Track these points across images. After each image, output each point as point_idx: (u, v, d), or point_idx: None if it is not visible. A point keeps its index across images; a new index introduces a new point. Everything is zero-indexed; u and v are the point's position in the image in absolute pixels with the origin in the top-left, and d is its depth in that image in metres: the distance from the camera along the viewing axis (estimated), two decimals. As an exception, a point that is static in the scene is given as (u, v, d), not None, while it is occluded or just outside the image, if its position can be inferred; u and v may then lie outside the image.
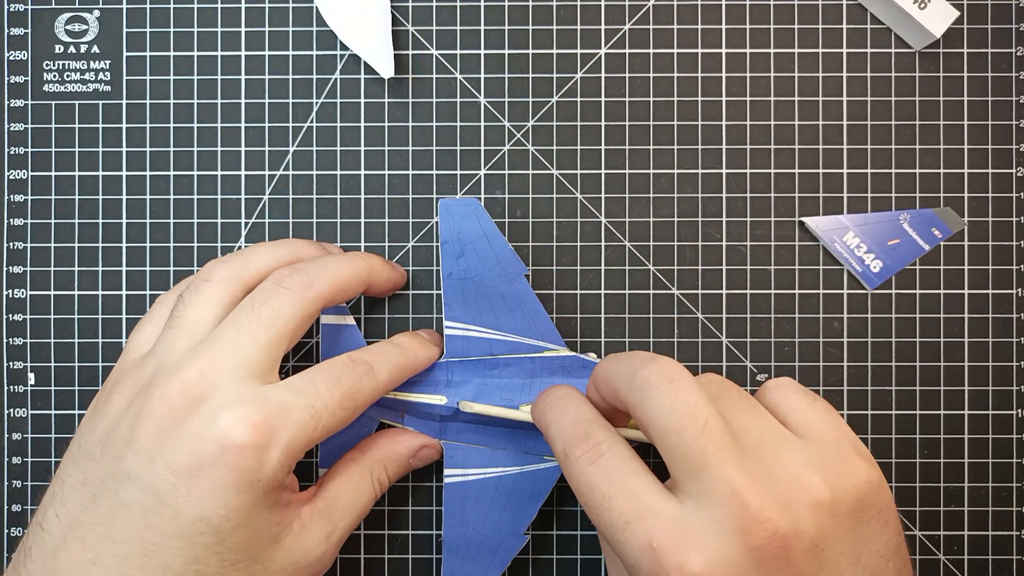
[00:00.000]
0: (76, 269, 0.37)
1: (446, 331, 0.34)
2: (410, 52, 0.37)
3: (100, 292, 0.37)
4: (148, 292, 0.37)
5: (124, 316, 0.37)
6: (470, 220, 0.34)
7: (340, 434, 0.34)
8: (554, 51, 0.37)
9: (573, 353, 0.34)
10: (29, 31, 0.37)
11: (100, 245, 0.37)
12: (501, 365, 0.34)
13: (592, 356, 0.35)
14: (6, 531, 0.37)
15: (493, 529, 0.34)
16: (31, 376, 0.37)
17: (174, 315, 0.30)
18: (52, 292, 0.37)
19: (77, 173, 0.37)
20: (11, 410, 0.37)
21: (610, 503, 0.25)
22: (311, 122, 0.37)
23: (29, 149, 0.37)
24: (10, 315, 0.37)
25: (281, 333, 0.29)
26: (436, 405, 0.34)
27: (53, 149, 0.37)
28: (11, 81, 0.37)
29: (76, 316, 0.37)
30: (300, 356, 0.37)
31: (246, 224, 0.37)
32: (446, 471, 0.34)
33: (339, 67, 0.37)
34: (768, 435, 0.26)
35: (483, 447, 0.34)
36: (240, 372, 0.28)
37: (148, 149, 0.37)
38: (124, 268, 0.37)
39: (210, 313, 0.30)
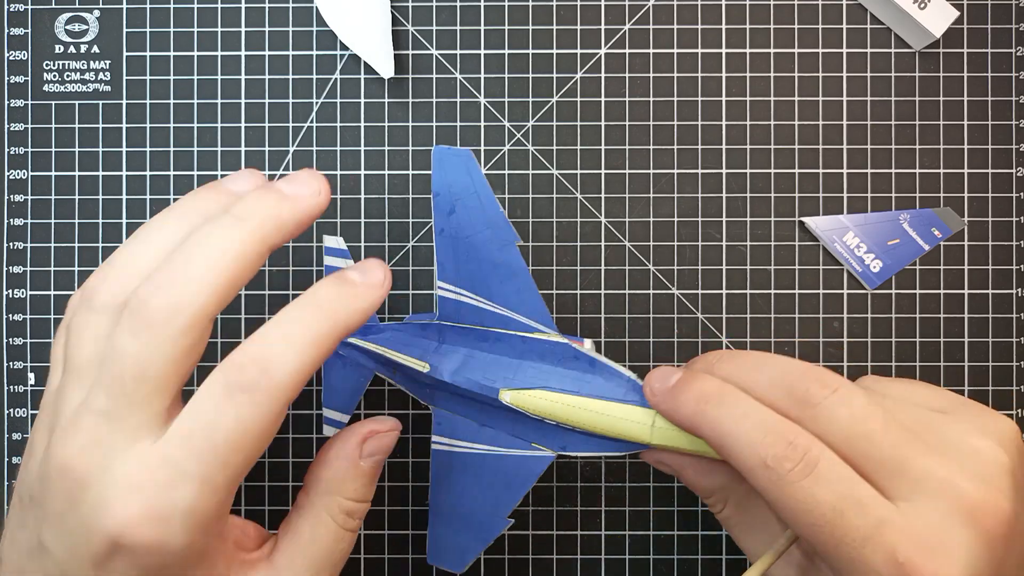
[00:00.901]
0: (76, 269, 0.37)
1: (439, 292, 0.32)
2: (410, 52, 0.37)
3: (100, 292, 0.37)
4: (148, 292, 0.37)
5: (124, 316, 0.37)
6: (461, 173, 0.32)
7: (338, 383, 0.33)
8: (554, 51, 0.37)
9: (564, 340, 0.32)
10: (29, 31, 0.37)
11: (100, 245, 0.37)
12: (492, 339, 0.32)
13: (587, 345, 0.32)
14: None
15: (475, 504, 0.32)
16: (31, 376, 0.37)
17: (65, 354, 0.25)
18: (52, 292, 0.37)
19: (77, 173, 0.37)
20: (11, 410, 0.37)
21: (842, 518, 0.24)
22: (311, 122, 0.37)
23: (29, 149, 0.37)
24: (10, 315, 0.37)
25: (155, 386, 0.24)
26: (420, 372, 0.32)
27: (53, 149, 0.37)
28: (11, 81, 0.37)
29: (76, 316, 0.37)
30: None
31: (246, 224, 0.37)
32: (434, 437, 0.33)
33: (339, 67, 0.37)
34: (921, 418, 0.26)
35: (471, 421, 0.32)
36: (120, 440, 0.23)
37: (148, 149, 0.37)
38: (124, 268, 0.37)
39: (99, 352, 0.24)
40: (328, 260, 0.33)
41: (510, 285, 0.32)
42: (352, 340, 0.33)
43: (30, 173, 0.37)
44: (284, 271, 0.37)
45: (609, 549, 0.37)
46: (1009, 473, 0.25)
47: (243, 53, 0.37)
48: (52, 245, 0.37)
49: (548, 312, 0.32)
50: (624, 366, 0.31)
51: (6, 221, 0.37)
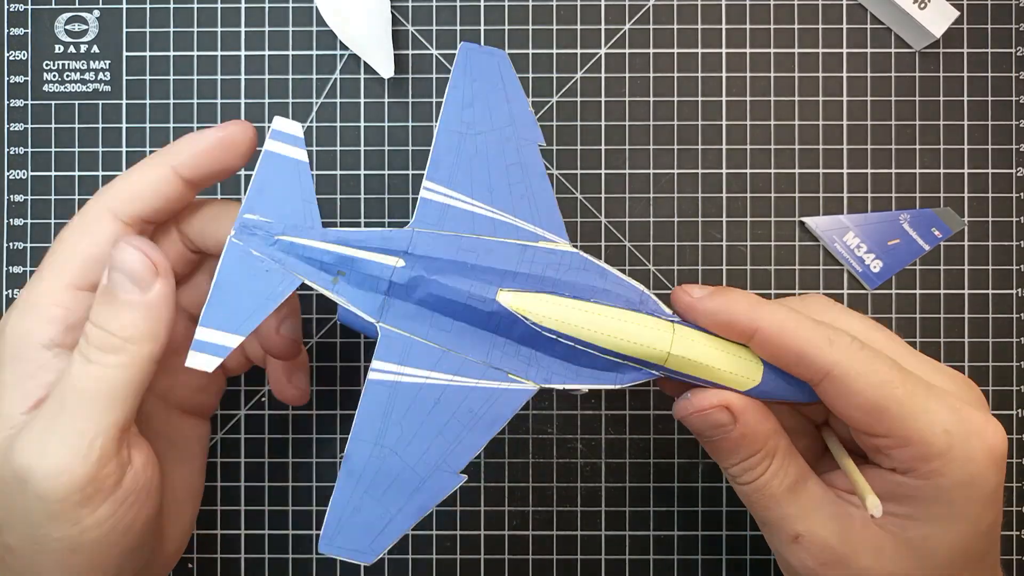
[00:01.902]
0: (76, 269, 0.37)
1: (423, 193, 0.28)
2: (410, 52, 0.37)
3: (100, 292, 0.37)
4: (148, 292, 0.37)
5: (124, 316, 0.37)
6: (491, 72, 0.28)
7: (242, 292, 0.26)
8: (554, 51, 0.37)
9: (575, 250, 0.27)
10: (29, 31, 0.37)
11: (100, 245, 0.37)
12: (481, 249, 0.27)
13: (601, 262, 0.28)
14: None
15: (416, 458, 0.26)
16: (31, 376, 0.37)
17: None
18: (52, 292, 0.37)
19: (77, 173, 0.37)
20: (11, 410, 0.37)
21: (906, 376, 0.26)
22: (311, 122, 0.37)
23: (29, 149, 0.37)
24: (10, 315, 0.37)
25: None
26: (386, 267, 0.26)
27: (53, 149, 0.37)
28: (11, 81, 0.37)
29: (76, 316, 0.37)
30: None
31: (246, 224, 0.37)
32: (374, 363, 0.26)
33: (339, 67, 0.37)
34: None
35: (432, 344, 0.26)
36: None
37: (148, 149, 0.37)
38: (124, 268, 0.37)
39: None
40: (270, 145, 0.27)
41: (520, 188, 0.28)
42: (291, 239, 0.27)
43: (30, 173, 0.37)
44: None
45: (609, 549, 0.37)
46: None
47: (243, 53, 0.37)
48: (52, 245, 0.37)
49: (561, 220, 0.28)
50: (637, 281, 0.28)
51: (6, 221, 0.37)
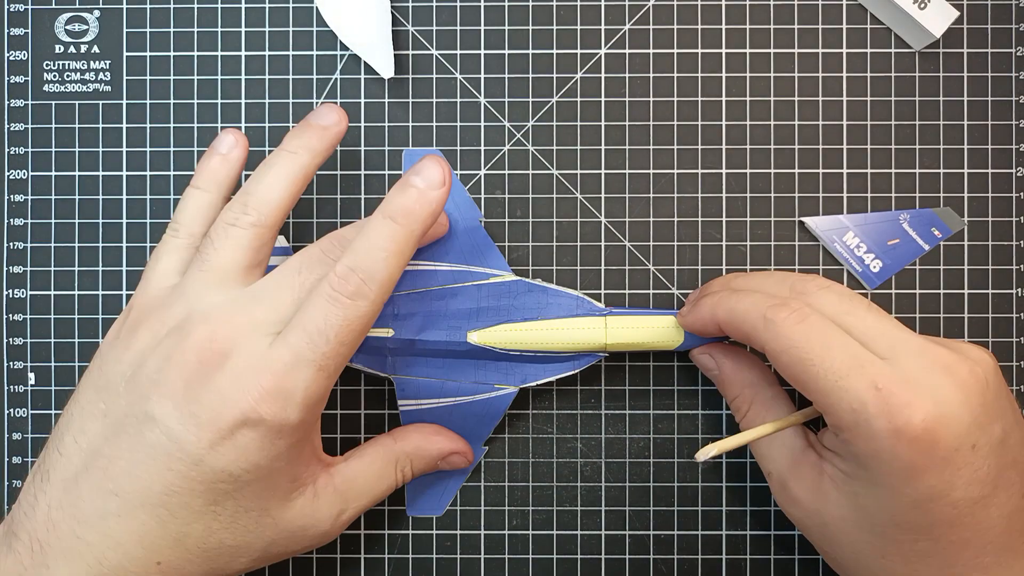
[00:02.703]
0: (76, 269, 0.37)
1: None
2: (410, 52, 0.37)
3: (100, 292, 0.37)
4: (148, 292, 0.37)
5: (124, 316, 0.37)
6: None
7: None
8: (554, 51, 0.37)
9: (518, 278, 0.35)
10: (29, 31, 0.37)
11: (100, 245, 0.37)
12: (448, 295, 0.34)
13: (539, 281, 0.35)
14: (6, 531, 0.37)
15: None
16: (31, 376, 0.37)
17: (204, 256, 0.30)
18: (52, 292, 0.37)
19: (77, 173, 0.37)
20: (11, 410, 0.37)
21: (830, 352, 0.28)
22: (311, 122, 0.37)
23: (29, 149, 0.37)
24: (10, 315, 0.37)
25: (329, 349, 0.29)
26: (381, 339, 0.34)
27: (53, 149, 0.37)
28: (11, 81, 0.37)
29: (76, 316, 0.37)
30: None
31: (246, 224, 0.37)
32: (399, 401, 0.35)
33: (339, 67, 0.37)
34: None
35: (434, 379, 0.34)
36: (262, 329, 0.28)
37: (148, 149, 0.37)
38: (124, 268, 0.37)
39: (242, 259, 0.30)
40: (270, 260, 0.33)
41: (467, 243, 0.35)
42: None
43: (30, 173, 0.37)
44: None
45: (609, 549, 0.37)
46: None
47: (243, 53, 0.37)
48: (52, 245, 0.37)
49: (502, 256, 0.35)
50: (576, 289, 0.35)
51: (6, 221, 0.37)
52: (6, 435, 0.37)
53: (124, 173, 0.37)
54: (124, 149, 0.37)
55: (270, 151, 0.37)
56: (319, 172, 0.37)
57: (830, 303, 0.30)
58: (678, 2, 0.37)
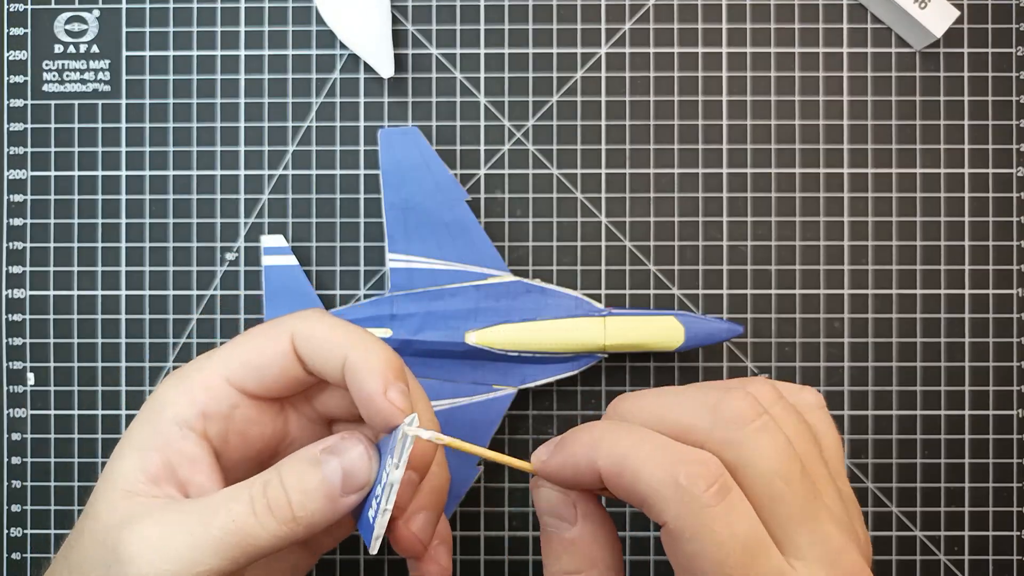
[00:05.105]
0: (75, 269, 0.37)
1: (389, 264, 0.35)
2: (410, 52, 0.37)
3: (99, 292, 0.37)
4: (147, 292, 0.37)
5: (123, 316, 0.37)
6: (410, 149, 0.35)
7: None
8: (554, 50, 0.37)
9: (517, 278, 0.34)
10: (29, 31, 0.37)
11: (99, 245, 0.37)
12: (446, 295, 0.34)
13: (538, 281, 0.35)
14: (6, 531, 0.37)
15: (449, 459, 0.31)
16: (30, 376, 0.37)
17: None
18: (51, 292, 0.37)
19: (76, 173, 0.37)
20: (11, 410, 0.37)
21: (753, 561, 0.21)
22: (310, 121, 0.37)
23: (29, 149, 0.37)
24: (9, 315, 0.37)
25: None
26: (382, 339, 0.32)
27: (52, 149, 0.37)
28: (11, 81, 0.37)
29: (75, 316, 0.37)
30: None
31: (245, 224, 0.37)
32: None
33: (339, 67, 0.37)
34: (819, 472, 0.23)
35: (432, 379, 0.34)
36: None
37: (147, 149, 0.37)
38: (123, 268, 0.37)
39: None
40: (267, 260, 0.35)
41: (461, 240, 0.34)
42: None
43: (30, 173, 0.37)
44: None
45: (609, 549, 0.37)
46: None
47: (242, 52, 0.37)
48: (52, 245, 0.37)
49: (500, 256, 0.35)
50: (576, 290, 0.35)
51: (6, 221, 0.37)
52: (5, 435, 0.37)
53: (123, 173, 0.37)
54: (123, 149, 0.37)
55: (269, 151, 0.37)
56: (319, 172, 0.37)
57: (764, 451, 0.22)
58: (679, 1, 0.37)
